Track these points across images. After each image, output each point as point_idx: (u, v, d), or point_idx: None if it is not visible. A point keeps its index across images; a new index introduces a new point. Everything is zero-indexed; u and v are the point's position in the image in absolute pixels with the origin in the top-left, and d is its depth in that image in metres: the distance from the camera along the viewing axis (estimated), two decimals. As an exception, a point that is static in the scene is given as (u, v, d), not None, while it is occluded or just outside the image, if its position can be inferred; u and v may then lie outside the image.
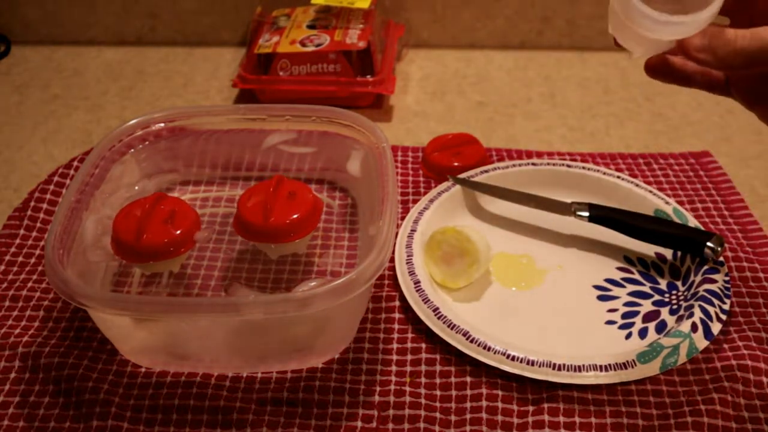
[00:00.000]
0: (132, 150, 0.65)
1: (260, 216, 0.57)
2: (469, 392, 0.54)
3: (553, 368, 0.53)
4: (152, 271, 0.59)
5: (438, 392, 0.54)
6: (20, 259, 0.65)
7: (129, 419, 0.52)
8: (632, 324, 0.59)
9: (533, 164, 0.72)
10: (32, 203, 0.69)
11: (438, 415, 0.52)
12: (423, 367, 0.55)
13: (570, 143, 0.81)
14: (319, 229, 0.66)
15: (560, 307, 0.60)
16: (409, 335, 0.58)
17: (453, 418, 0.52)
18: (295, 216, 0.57)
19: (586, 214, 0.65)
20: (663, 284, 0.62)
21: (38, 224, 0.68)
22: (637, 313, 0.59)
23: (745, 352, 0.55)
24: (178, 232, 0.56)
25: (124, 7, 0.98)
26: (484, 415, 0.52)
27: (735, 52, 0.40)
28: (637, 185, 0.69)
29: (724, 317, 0.57)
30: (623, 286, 0.62)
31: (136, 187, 0.67)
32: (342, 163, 0.68)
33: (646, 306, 0.60)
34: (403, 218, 0.67)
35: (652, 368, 0.53)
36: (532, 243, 0.67)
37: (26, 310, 0.60)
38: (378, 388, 0.54)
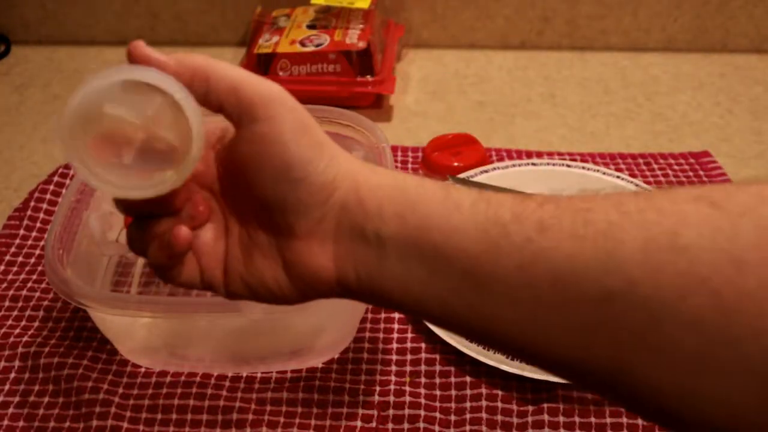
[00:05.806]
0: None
1: None
2: (468, 392, 0.54)
3: (553, 368, 0.53)
4: None
5: (438, 392, 0.54)
6: (20, 259, 0.65)
7: (129, 419, 0.52)
8: (632, 324, 0.58)
9: (533, 164, 0.72)
10: (32, 203, 0.69)
11: (438, 415, 0.52)
12: (423, 367, 0.55)
13: (570, 143, 0.81)
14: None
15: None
16: (409, 335, 0.58)
17: (453, 418, 0.52)
18: None
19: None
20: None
21: (38, 224, 0.68)
22: (636, 313, 0.59)
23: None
24: None
25: (124, 7, 0.98)
26: (483, 415, 0.52)
27: None
28: (636, 185, 0.69)
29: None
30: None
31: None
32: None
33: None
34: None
35: (652, 368, 0.53)
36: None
37: (26, 310, 0.60)
38: (378, 388, 0.54)
